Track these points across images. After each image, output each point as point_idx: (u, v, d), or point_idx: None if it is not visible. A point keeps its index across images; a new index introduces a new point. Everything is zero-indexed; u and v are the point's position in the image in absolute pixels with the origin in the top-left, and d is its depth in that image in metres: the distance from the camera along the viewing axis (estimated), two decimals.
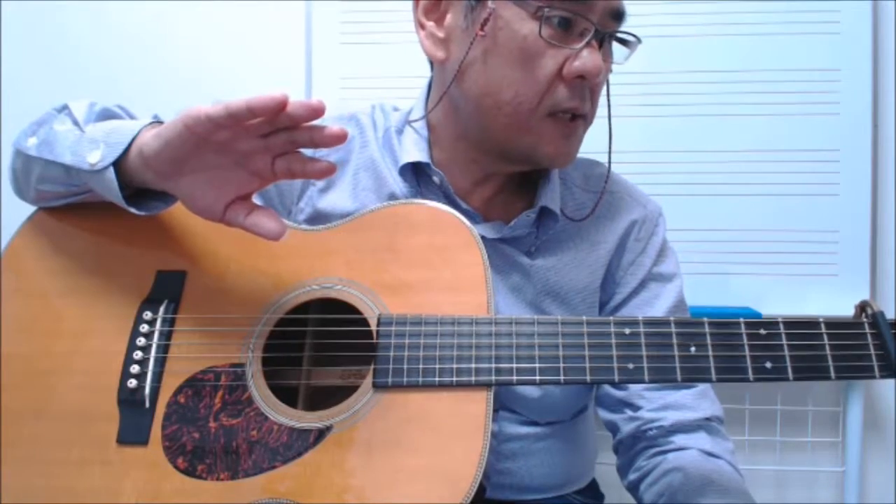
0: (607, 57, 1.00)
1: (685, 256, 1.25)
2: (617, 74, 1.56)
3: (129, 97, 1.63)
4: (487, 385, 0.86)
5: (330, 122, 1.09)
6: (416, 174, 1.08)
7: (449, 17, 1.02)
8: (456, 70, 1.00)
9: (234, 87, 1.72)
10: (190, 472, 0.86)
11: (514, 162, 1.04)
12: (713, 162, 1.63)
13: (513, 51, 0.95)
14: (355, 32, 1.68)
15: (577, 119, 0.99)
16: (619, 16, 0.97)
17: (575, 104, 0.97)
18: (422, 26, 1.04)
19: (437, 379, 0.86)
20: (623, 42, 1.01)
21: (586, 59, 0.94)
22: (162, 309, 0.94)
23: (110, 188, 0.89)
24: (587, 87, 0.97)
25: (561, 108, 0.97)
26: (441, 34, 1.03)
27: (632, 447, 1.10)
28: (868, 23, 1.59)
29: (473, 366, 0.86)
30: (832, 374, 0.82)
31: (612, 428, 1.13)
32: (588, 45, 0.95)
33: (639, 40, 1.01)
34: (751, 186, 1.62)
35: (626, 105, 1.62)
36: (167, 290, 0.96)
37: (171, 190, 0.88)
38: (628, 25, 0.99)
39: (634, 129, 1.64)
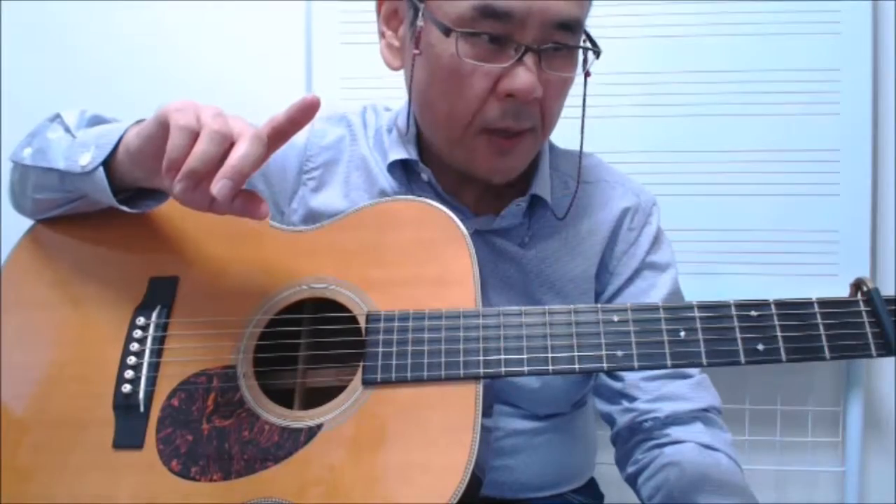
0: (569, 67, 0.98)
1: (684, 256, 1.25)
2: (617, 74, 1.59)
3: (130, 97, 1.67)
4: (476, 378, 0.85)
5: (321, 122, 1.12)
6: (405, 172, 1.09)
7: (402, 28, 1.03)
8: (409, 80, 1.02)
9: (234, 87, 1.74)
10: (184, 473, 0.86)
11: (464, 173, 1.04)
12: (713, 162, 1.63)
13: (441, 69, 0.95)
14: (355, 32, 1.68)
15: (515, 135, 0.98)
16: (565, 25, 0.94)
17: (507, 124, 0.96)
18: (382, 35, 1.06)
19: (425, 373, 0.86)
20: (594, 48, 0.99)
21: (517, 78, 0.93)
22: (155, 314, 0.95)
23: (101, 188, 0.91)
24: (528, 103, 0.96)
25: (493, 128, 0.97)
26: (396, 43, 1.04)
27: (629, 440, 1.10)
28: (868, 23, 1.58)
29: (461, 359, 0.86)
30: (827, 354, 0.81)
31: (609, 419, 1.13)
32: (520, 62, 0.93)
33: (590, 49, 0.98)
34: (751, 186, 1.62)
35: (626, 105, 1.63)
36: (160, 296, 0.96)
37: (159, 185, 0.88)
38: (601, 27, 0.98)
39: (634, 129, 1.64)
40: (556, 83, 0.97)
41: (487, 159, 1.00)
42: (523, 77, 0.92)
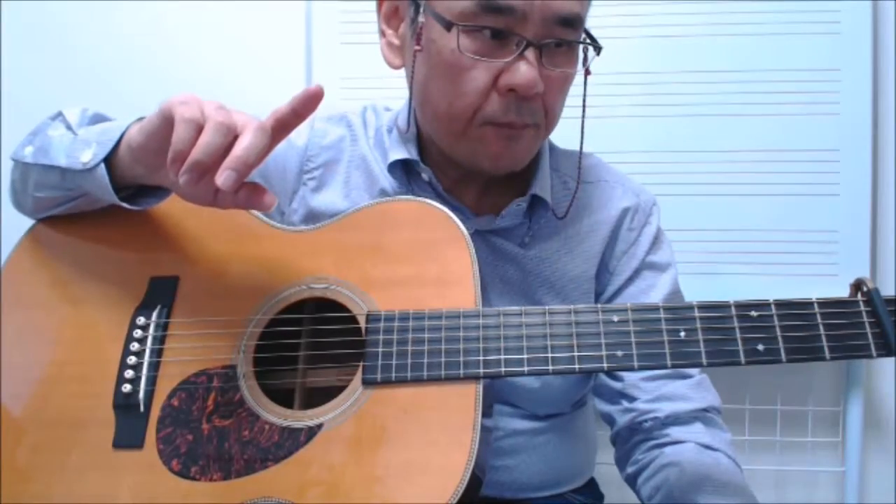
0: (570, 63, 0.99)
1: (684, 256, 1.25)
2: (617, 74, 1.59)
3: (130, 97, 1.66)
4: (476, 378, 0.85)
5: (321, 122, 1.12)
6: (406, 172, 1.09)
7: (402, 26, 1.03)
8: (409, 78, 1.02)
9: (234, 87, 1.74)
10: (184, 473, 0.86)
11: (466, 168, 1.04)
12: (713, 162, 1.63)
13: (442, 64, 0.96)
14: (355, 32, 1.68)
15: (520, 126, 0.98)
16: (566, 21, 0.94)
17: (509, 118, 0.96)
18: (383, 34, 1.06)
19: (425, 373, 0.86)
20: (594, 44, 0.99)
21: (518, 72, 0.93)
22: (155, 314, 0.95)
23: (102, 185, 0.91)
24: (530, 98, 0.96)
25: (495, 122, 0.97)
26: (397, 42, 1.05)
27: (628, 440, 1.10)
28: (868, 23, 1.58)
29: (461, 359, 0.86)
30: (827, 355, 0.81)
31: (609, 419, 1.13)
32: (521, 57, 0.93)
33: (591, 44, 0.99)
34: (751, 186, 1.62)
35: (626, 105, 1.63)
36: (160, 296, 0.96)
37: (161, 182, 0.89)
38: (601, 27, 0.98)
39: (634, 129, 1.64)
40: (558, 79, 0.97)
41: (493, 147, 0.99)
42: (524, 71, 0.92)
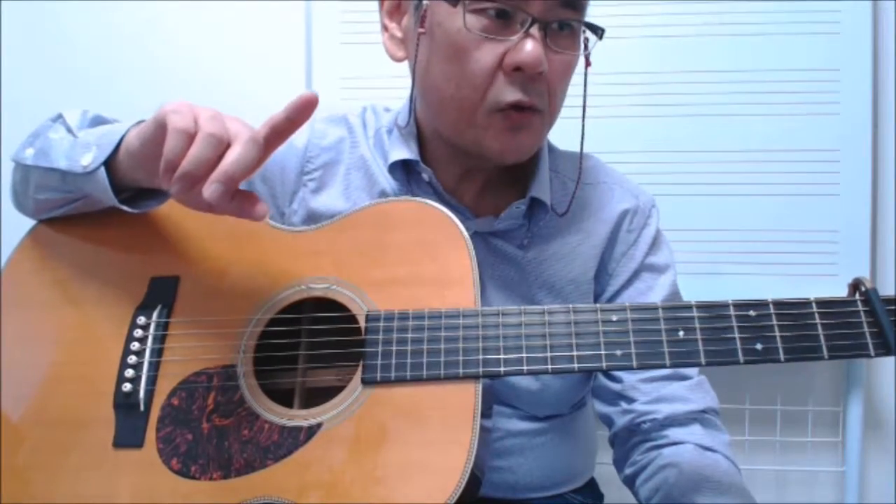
0: (573, 47, 0.99)
1: (684, 256, 1.25)
2: (617, 74, 1.59)
3: (130, 97, 1.67)
4: (475, 377, 0.85)
5: (320, 123, 1.12)
6: (406, 172, 1.09)
7: (405, 18, 1.04)
8: (412, 67, 1.02)
9: (234, 87, 1.74)
10: (183, 472, 0.86)
11: (470, 158, 1.04)
12: (713, 162, 1.63)
13: (448, 46, 0.96)
14: (355, 32, 1.68)
15: (527, 111, 0.98)
16: (569, 3, 0.95)
17: (517, 97, 0.96)
18: (385, 28, 1.06)
19: (424, 373, 0.86)
20: (594, 30, 0.99)
21: (524, 50, 0.93)
22: (155, 314, 0.95)
23: (103, 188, 0.91)
24: (535, 79, 0.96)
25: (504, 103, 0.96)
26: (400, 34, 1.05)
27: (627, 441, 1.10)
28: (868, 23, 1.58)
29: (461, 358, 0.86)
30: (825, 354, 0.81)
31: (607, 421, 1.13)
32: (527, 35, 0.93)
33: (592, 29, 0.99)
34: (751, 186, 1.62)
35: (626, 105, 1.63)
36: (161, 296, 0.97)
37: (159, 185, 0.89)
38: (597, 16, 0.98)
39: (634, 129, 1.64)
40: (561, 63, 0.98)
41: (500, 137, 0.99)
42: (531, 49, 0.93)
